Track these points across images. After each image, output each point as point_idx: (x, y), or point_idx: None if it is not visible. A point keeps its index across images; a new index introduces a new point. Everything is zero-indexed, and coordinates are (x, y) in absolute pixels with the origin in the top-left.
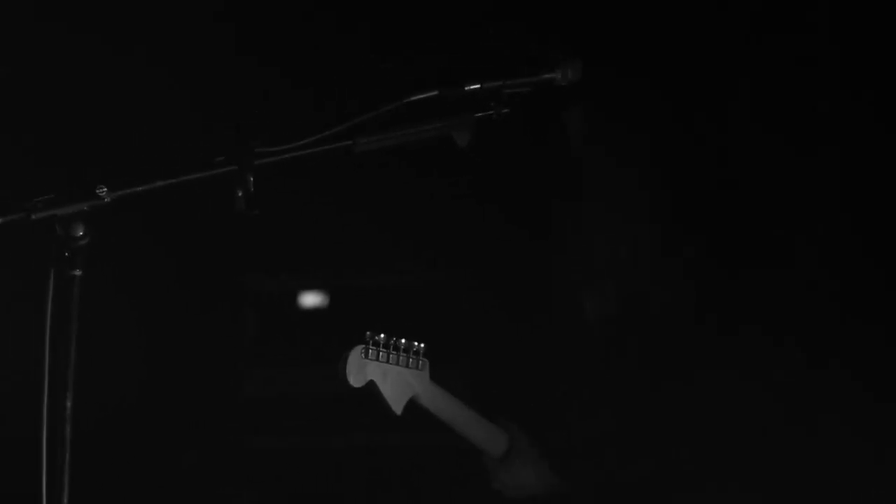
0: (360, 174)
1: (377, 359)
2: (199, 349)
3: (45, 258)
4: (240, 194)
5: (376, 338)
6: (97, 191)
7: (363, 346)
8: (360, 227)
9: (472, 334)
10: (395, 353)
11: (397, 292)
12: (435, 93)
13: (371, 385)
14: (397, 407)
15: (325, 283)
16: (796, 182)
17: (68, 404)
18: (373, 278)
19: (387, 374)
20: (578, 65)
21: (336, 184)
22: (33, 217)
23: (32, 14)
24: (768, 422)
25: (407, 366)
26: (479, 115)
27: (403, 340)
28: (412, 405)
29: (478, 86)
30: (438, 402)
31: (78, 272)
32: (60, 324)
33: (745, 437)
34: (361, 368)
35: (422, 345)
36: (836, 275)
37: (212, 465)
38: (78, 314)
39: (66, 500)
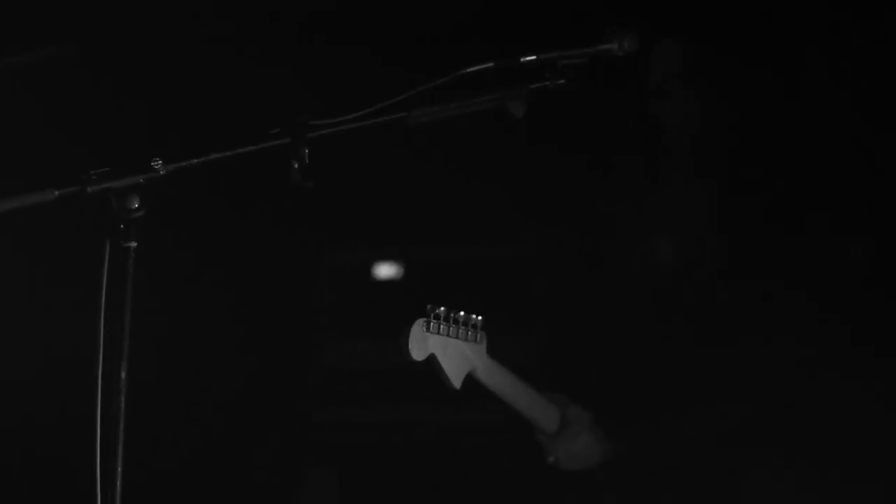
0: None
1: (438, 332)
2: (273, 320)
3: (101, 230)
4: (295, 166)
5: (437, 311)
6: (152, 163)
7: (424, 319)
8: (432, 200)
9: (536, 307)
10: (454, 326)
11: (465, 264)
12: (490, 64)
13: (432, 358)
14: (456, 381)
15: (400, 255)
16: (861, 158)
17: (123, 375)
18: (445, 251)
19: (447, 347)
20: (635, 35)
21: (408, 158)
22: (89, 190)
23: None
24: (806, 393)
25: (466, 339)
26: (535, 86)
27: (462, 313)
28: (469, 379)
29: (533, 57)
30: (495, 376)
31: (133, 244)
32: (116, 295)
33: (785, 405)
34: (423, 341)
35: (480, 318)
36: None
37: (283, 438)
38: (133, 285)
39: (119, 472)
